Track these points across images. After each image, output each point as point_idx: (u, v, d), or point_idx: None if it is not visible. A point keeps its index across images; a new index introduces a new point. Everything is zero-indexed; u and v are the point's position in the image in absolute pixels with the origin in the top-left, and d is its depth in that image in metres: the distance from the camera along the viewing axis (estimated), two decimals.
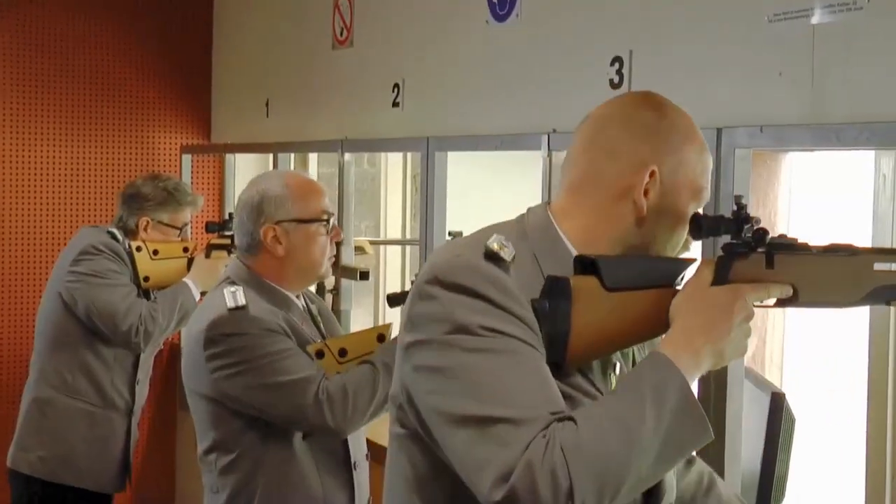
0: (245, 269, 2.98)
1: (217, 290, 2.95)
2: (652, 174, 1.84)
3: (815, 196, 3.55)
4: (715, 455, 2.70)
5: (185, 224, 4.43)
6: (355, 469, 2.95)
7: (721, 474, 2.68)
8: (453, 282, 1.73)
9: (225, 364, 2.80)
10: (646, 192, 1.84)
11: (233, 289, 2.88)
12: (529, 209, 1.93)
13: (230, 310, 2.83)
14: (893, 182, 2.85)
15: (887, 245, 2.91)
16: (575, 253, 1.84)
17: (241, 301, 2.84)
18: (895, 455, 2.91)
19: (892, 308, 2.13)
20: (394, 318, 3.13)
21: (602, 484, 1.59)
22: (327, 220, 3.02)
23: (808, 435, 3.30)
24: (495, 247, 1.76)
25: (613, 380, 1.87)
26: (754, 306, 1.79)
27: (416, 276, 1.84)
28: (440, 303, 1.73)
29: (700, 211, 1.89)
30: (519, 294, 1.74)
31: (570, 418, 1.64)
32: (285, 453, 2.88)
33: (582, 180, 1.89)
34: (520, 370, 1.68)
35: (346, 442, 2.94)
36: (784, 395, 2.78)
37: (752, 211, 1.83)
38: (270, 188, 2.99)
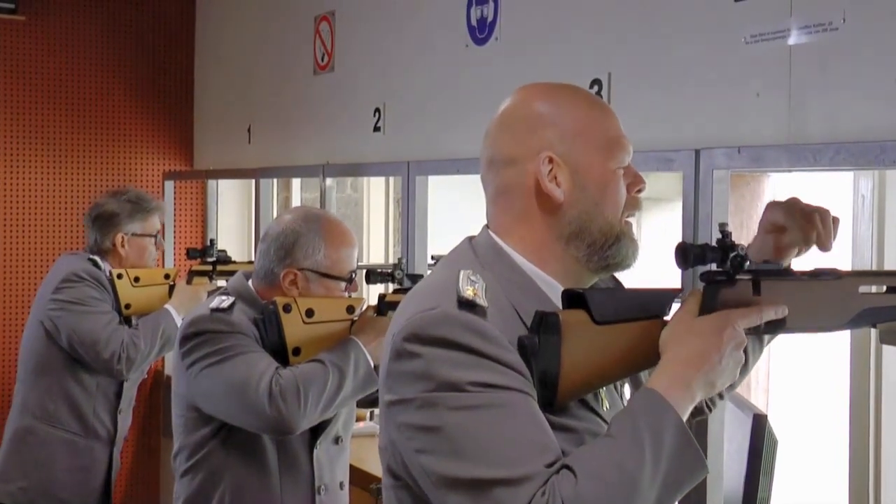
0: (246, 286, 2.97)
1: (209, 299, 2.96)
2: (550, 160, 1.81)
3: None
4: None
5: (157, 231, 4.41)
6: (319, 494, 2.93)
7: (703, 497, 2.66)
8: (433, 336, 1.68)
9: (195, 359, 2.81)
10: (555, 179, 1.81)
11: (223, 297, 2.90)
12: (474, 237, 1.90)
13: (211, 310, 2.85)
14: (872, 203, 2.85)
15: (867, 266, 2.91)
16: (529, 271, 1.82)
17: (225, 306, 2.86)
18: (877, 475, 2.90)
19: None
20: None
21: None
22: (351, 280, 3.00)
23: (792, 457, 3.29)
24: (469, 293, 1.72)
25: (605, 397, 1.84)
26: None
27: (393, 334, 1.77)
28: (422, 360, 1.68)
29: (681, 240, 1.86)
30: (501, 337, 1.70)
31: (568, 467, 1.60)
32: (247, 467, 2.87)
33: (497, 196, 1.87)
34: (510, 423, 1.64)
35: (312, 465, 2.92)
36: (766, 416, 2.77)
37: (734, 232, 1.81)
38: (307, 233, 2.95)
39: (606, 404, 1.84)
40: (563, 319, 1.73)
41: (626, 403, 1.89)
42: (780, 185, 3.58)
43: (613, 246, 1.83)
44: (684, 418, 1.66)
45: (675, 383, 1.67)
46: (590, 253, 1.83)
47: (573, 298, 1.78)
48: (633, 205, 1.87)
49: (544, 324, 1.72)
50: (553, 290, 1.82)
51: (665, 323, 1.77)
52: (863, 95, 2.42)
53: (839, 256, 2.93)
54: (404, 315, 1.76)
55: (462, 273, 1.75)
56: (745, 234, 3.27)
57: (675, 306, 1.81)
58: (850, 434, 2.99)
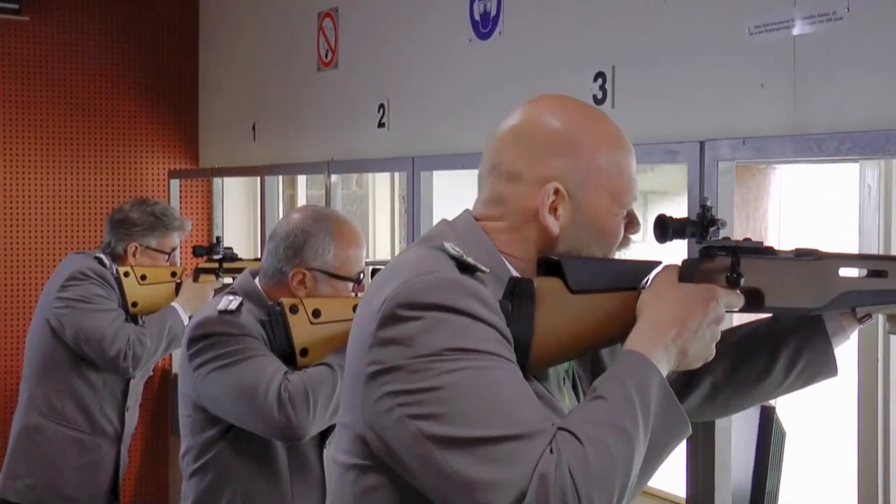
0: (253, 285, 2.96)
1: (216, 298, 2.95)
2: (557, 191, 1.76)
3: (806, 209, 3.54)
4: (705, 470, 2.68)
5: (174, 249, 4.42)
6: None
7: (711, 489, 2.66)
8: (431, 301, 1.63)
9: (203, 361, 2.80)
10: (554, 211, 1.77)
11: (231, 297, 2.89)
12: (451, 222, 1.85)
13: (219, 311, 2.84)
14: (879, 192, 2.84)
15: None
16: (512, 272, 1.78)
17: (233, 307, 2.85)
18: (886, 466, 2.89)
19: (880, 316, 2.10)
20: None
21: (608, 499, 1.55)
22: (359, 281, 2.99)
23: (801, 449, 3.28)
24: (470, 259, 1.70)
25: (566, 392, 1.83)
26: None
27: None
28: (419, 324, 1.62)
29: (665, 212, 1.85)
30: (498, 307, 1.67)
31: (566, 429, 1.57)
32: (257, 469, 2.86)
33: (493, 202, 1.82)
34: (511, 386, 1.61)
35: (322, 465, 2.92)
36: (774, 408, 2.77)
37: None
38: (317, 233, 2.93)
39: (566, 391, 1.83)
40: (538, 286, 1.71)
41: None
42: (788, 177, 3.57)
43: None
44: None
45: (655, 345, 1.66)
46: None
47: (549, 265, 1.76)
48: (625, 244, 1.86)
49: (518, 290, 1.70)
50: None
51: (640, 294, 1.75)
52: (867, 84, 2.41)
53: (846, 247, 2.92)
54: (387, 288, 1.69)
55: (448, 244, 1.73)
56: (750, 226, 3.25)
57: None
58: (858, 425, 2.98)
